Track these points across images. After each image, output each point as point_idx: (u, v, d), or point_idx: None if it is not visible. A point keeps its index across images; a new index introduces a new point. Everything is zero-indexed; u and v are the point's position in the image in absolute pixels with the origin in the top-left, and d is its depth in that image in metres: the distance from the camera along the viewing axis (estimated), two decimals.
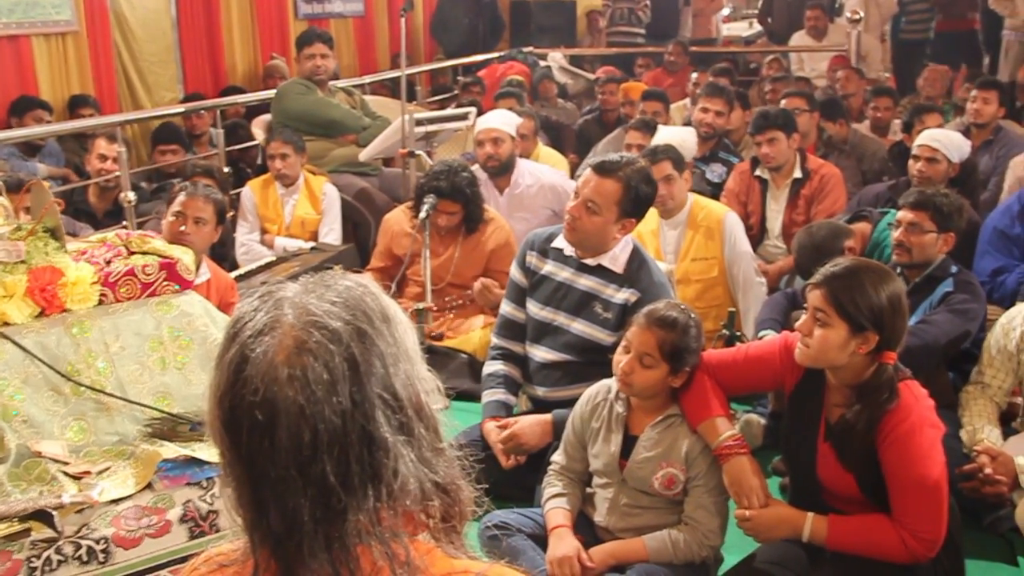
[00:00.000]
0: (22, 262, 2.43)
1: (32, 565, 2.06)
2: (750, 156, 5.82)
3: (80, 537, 2.13)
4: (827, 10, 10.49)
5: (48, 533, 2.09)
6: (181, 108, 7.22)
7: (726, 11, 14.61)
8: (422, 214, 4.59)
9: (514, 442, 3.42)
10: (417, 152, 5.65)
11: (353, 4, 10.50)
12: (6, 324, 2.39)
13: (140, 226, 5.09)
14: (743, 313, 4.54)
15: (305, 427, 1.10)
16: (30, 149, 6.48)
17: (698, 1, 12.94)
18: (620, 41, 11.88)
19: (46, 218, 2.52)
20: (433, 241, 4.72)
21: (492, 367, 3.68)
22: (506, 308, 3.75)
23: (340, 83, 6.99)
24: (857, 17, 9.12)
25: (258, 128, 6.89)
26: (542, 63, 10.53)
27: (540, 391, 3.62)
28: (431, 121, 5.90)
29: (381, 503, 1.14)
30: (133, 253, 2.65)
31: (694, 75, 8.93)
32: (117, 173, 5.61)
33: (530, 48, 10.87)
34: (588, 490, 3.04)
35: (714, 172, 6.15)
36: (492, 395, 3.59)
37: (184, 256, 2.64)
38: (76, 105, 7.21)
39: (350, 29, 10.47)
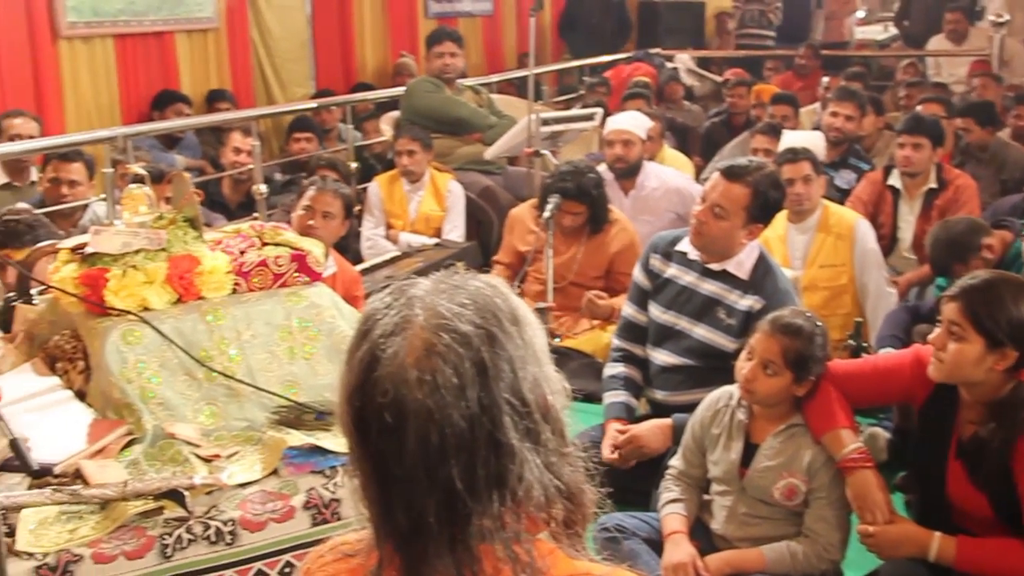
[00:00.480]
0: (162, 250, 2.52)
1: (164, 542, 2.13)
2: (883, 164, 5.67)
3: (209, 518, 2.19)
4: (968, 13, 10.14)
5: (179, 512, 2.16)
6: (313, 103, 7.39)
7: (860, 14, 14.25)
8: (546, 213, 4.60)
9: (633, 445, 3.40)
10: (542, 152, 5.67)
11: (482, 3, 10.59)
12: (146, 309, 2.48)
13: (269, 218, 5.22)
14: (870, 324, 4.43)
15: (433, 431, 1.11)
16: (170, 141, 6.73)
17: (831, 3, 12.67)
18: (749, 44, 11.71)
19: (186, 208, 2.61)
20: (556, 239, 4.72)
21: (613, 369, 3.67)
22: (628, 310, 3.73)
23: (467, 81, 7.05)
24: (1001, 20, 8.79)
25: (386, 124, 7.00)
26: (669, 64, 10.44)
27: (660, 395, 3.60)
28: (557, 121, 5.91)
29: (505, 507, 1.14)
30: (266, 244, 2.72)
31: (825, 79, 8.74)
32: (250, 166, 5.77)
33: (657, 49, 10.79)
34: (706, 497, 3.00)
35: (843, 179, 6.01)
36: (614, 397, 3.58)
37: (315, 249, 2.70)
38: (214, 99, 7.47)
39: (478, 28, 10.56)
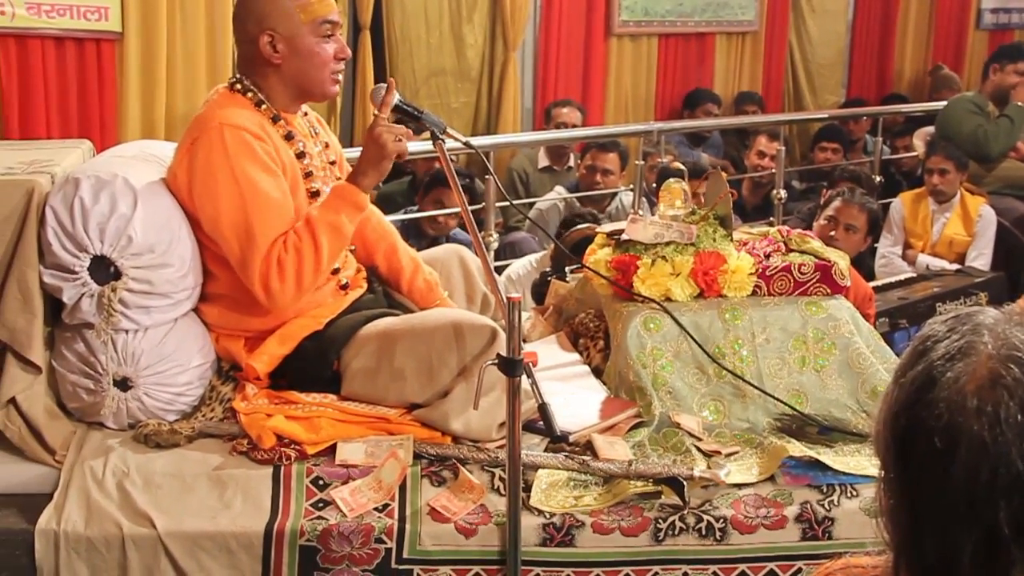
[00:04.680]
0: (691, 245, 2.61)
1: (658, 526, 2.21)
2: None
3: (703, 511, 2.24)
4: None
5: (675, 500, 2.23)
6: (843, 112, 7.24)
7: None
8: None
9: None
10: None
11: None
12: (668, 300, 2.58)
13: (784, 224, 5.20)
14: None
15: (984, 466, 1.04)
16: (696, 139, 6.92)
17: None
18: None
19: (719, 206, 2.67)
20: None
21: None
22: None
23: None
24: None
25: (918, 140, 6.68)
26: None
27: None
28: None
29: None
30: (791, 251, 2.72)
31: None
32: (772, 170, 5.78)
33: None
34: None
35: None
36: None
37: (840, 261, 2.65)
38: (742, 101, 7.56)
39: None
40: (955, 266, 5.38)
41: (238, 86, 2.46)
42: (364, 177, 2.39)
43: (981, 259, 5.45)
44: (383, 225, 2.80)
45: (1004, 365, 1.06)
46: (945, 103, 6.33)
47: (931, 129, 6.40)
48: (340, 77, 2.50)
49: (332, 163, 2.61)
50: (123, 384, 2.36)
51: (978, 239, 5.49)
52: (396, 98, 2.37)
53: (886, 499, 1.15)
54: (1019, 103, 5.93)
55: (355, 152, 2.49)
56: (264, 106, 2.44)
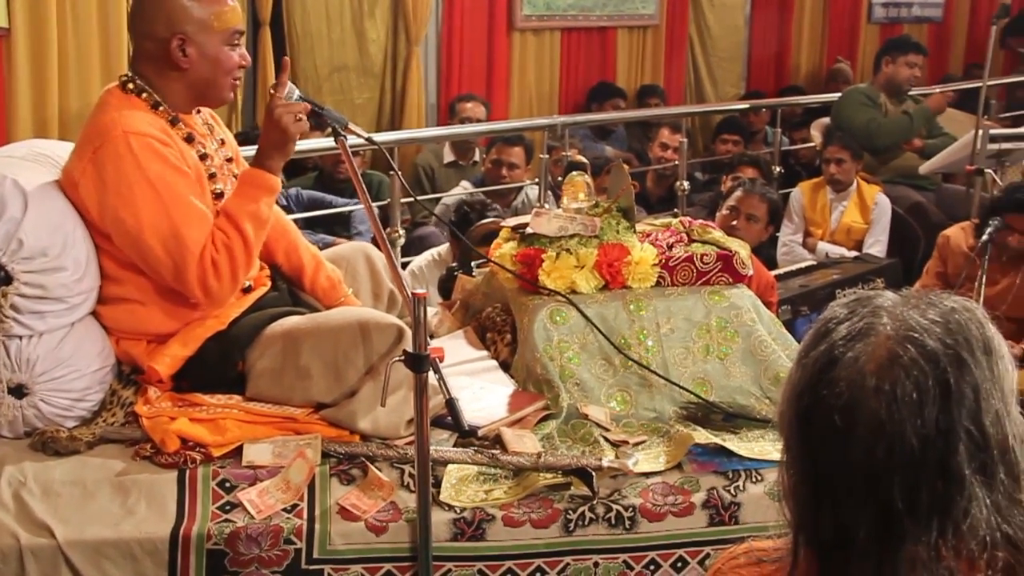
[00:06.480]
0: (595, 237, 2.63)
1: (568, 517, 2.22)
2: None
3: (612, 501, 2.26)
4: None
5: (585, 491, 2.25)
6: (743, 104, 7.35)
7: None
8: (984, 236, 4.28)
9: None
10: (986, 170, 5.28)
11: (932, 9, 10.01)
12: (574, 292, 2.60)
13: (687, 214, 5.27)
14: None
15: (881, 443, 1.07)
16: (601, 132, 6.97)
17: None
18: None
19: (622, 198, 2.70)
20: (991, 267, 4.37)
21: None
22: None
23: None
24: None
25: (816, 131, 6.84)
26: None
27: None
28: (1006, 139, 5.48)
29: (944, 539, 1.08)
30: (693, 241, 2.76)
31: None
32: (675, 162, 5.86)
33: None
34: None
35: None
36: None
37: (741, 250, 2.70)
38: (644, 94, 7.64)
39: (923, 35, 9.99)
40: (853, 253, 5.52)
41: (131, 86, 2.40)
42: (270, 160, 2.38)
43: (877, 246, 5.60)
44: (282, 222, 2.76)
45: (901, 345, 1.10)
46: (840, 95, 6.50)
47: (828, 120, 6.55)
48: (238, 83, 2.50)
49: (229, 160, 2.57)
50: (18, 391, 2.29)
51: (874, 226, 5.64)
52: (297, 94, 2.35)
53: (788, 478, 1.18)
54: (925, 105, 6.10)
55: (252, 151, 2.46)
56: (161, 108, 2.39)
